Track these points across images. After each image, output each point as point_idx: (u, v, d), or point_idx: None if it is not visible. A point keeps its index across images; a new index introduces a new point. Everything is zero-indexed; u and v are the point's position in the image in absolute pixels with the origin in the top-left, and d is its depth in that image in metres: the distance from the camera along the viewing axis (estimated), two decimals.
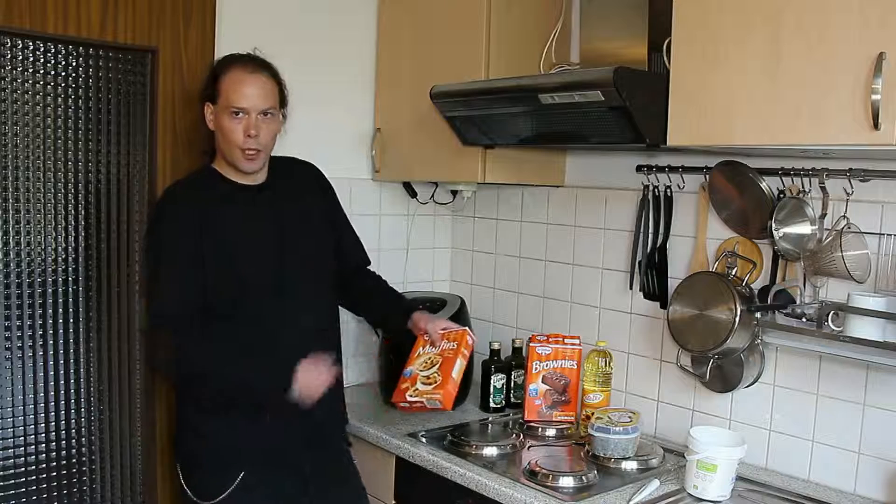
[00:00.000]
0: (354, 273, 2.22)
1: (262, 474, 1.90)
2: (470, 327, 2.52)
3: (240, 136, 1.86)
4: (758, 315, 1.92)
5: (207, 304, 1.86)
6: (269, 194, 1.97)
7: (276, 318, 1.92)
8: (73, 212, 2.09)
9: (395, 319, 2.21)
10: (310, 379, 1.83)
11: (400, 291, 2.32)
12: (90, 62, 2.08)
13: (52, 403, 2.09)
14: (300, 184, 2.06)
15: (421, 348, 2.11)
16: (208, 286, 1.86)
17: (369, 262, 2.27)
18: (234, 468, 1.89)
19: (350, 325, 2.58)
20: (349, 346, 2.64)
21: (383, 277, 2.30)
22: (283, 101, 1.95)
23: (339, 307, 2.18)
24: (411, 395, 2.02)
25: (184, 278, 1.84)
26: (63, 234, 2.08)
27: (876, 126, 1.43)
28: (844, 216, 1.82)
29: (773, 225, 1.89)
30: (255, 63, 1.89)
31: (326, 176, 2.16)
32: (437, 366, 2.04)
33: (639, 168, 2.25)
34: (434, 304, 2.53)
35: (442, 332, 2.10)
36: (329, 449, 2.06)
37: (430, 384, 2.01)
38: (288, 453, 1.94)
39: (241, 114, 1.85)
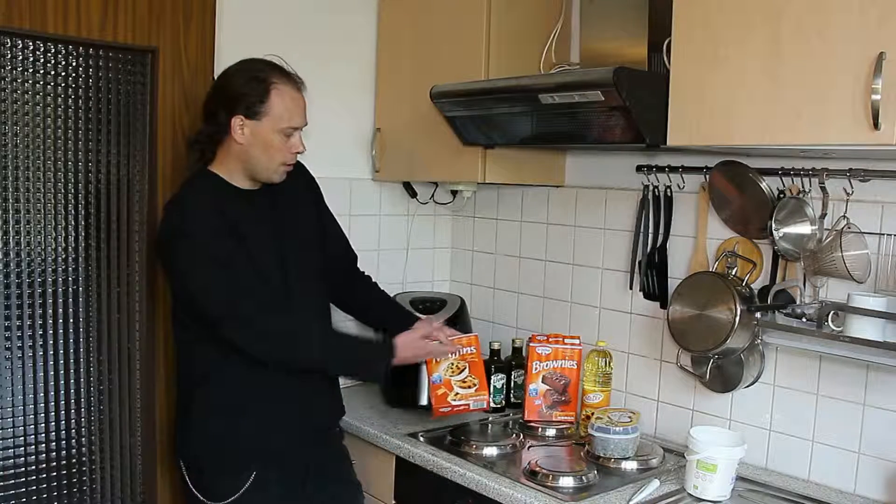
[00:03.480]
0: (344, 270, 2.22)
1: (271, 473, 1.91)
2: (470, 327, 2.53)
3: (287, 154, 1.88)
4: (758, 315, 1.92)
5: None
6: (268, 197, 1.97)
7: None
8: (73, 212, 2.09)
9: (397, 328, 2.18)
10: (415, 345, 1.96)
11: (399, 292, 2.31)
12: (90, 62, 2.08)
13: (52, 403, 2.09)
14: (293, 183, 2.04)
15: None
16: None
17: (357, 259, 2.27)
18: (246, 467, 1.89)
19: (350, 325, 2.57)
20: None
21: (382, 279, 2.30)
22: None
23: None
24: (455, 400, 2.13)
25: (241, 269, 1.84)
26: (63, 234, 2.08)
27: (876, 126, 1.43)
28: (844, 216, 1.82)
29: (773, 225, 1.89)
30: (298, 79, 1.90)
31: (325, 174, 2.16)
32: (467, 370, 2.14)
33: (639, 168, 2.25)
34: (434, 304, 2.53)
35: (451, 338, 2.12)
36: (329, 446, 2.07)
37: (469, 387, 2.14)
38: (293, 450, 1.95)
39: (294, 132, 1.88)
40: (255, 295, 1.86)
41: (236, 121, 1.84)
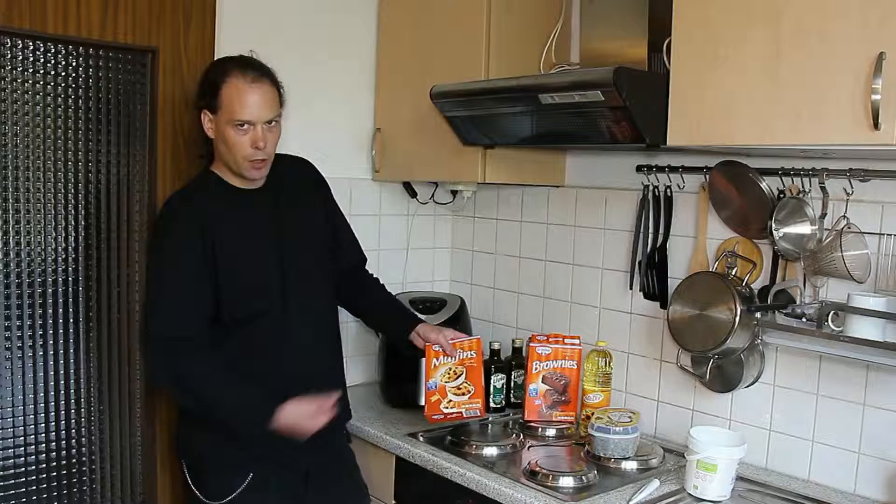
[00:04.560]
0: (353, 272, 2.22)
1: (270, 474, 1.91)
2: (470, 327, 2.53)
3: (247, 149, 1.84)
4: (758, 315, 1.92)
5: (216, 310, 1.87)
6: (269, 196, 1.97)
7: (282, 319, 1.93)
8: (73, 212, 2.09)
9: (397, 329, 2.21)
10: (299, 418, 1.83)
11: (399, 292, 2.32)
12: (90, 62, 2.08)
13: (52, 403, 2.09)
14: (297, 182, 2.05)
15: (435, 359, 2.12)
16: (217, 288, 1.86)
17: (366, 260, 2.27)
18: (243, 468, 1.90)
19: (350, 324, 2.58)
20: (349, 345, 2.64)
21: (382, 279, 2.30)
22: (282, 103, 1.93)
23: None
24: (447, 407, 2.11)
25: (189, 297, 1.83)
26: (63, 234, 2.08)
27: (876, 126, 1.43)
28: (844, 216, 1.82)
29: (773, 225, 1.89)
30: (255, 71, 1.85)
31: (324, 174, 2.16)
32: (463, 376, 2.11)
33: (639, 168, 2.25)
34: (434, 304, 2.53)
35: (453, 341, 2.11)
36: (331, 448, 2.06)
37: (463, 394, 2.11)
38: (291, 453, 1.94)
39: (245, 125, 1.83)
40: (194, 323, 1.83)
41: (204, 116, 1.87)
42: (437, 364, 2.12)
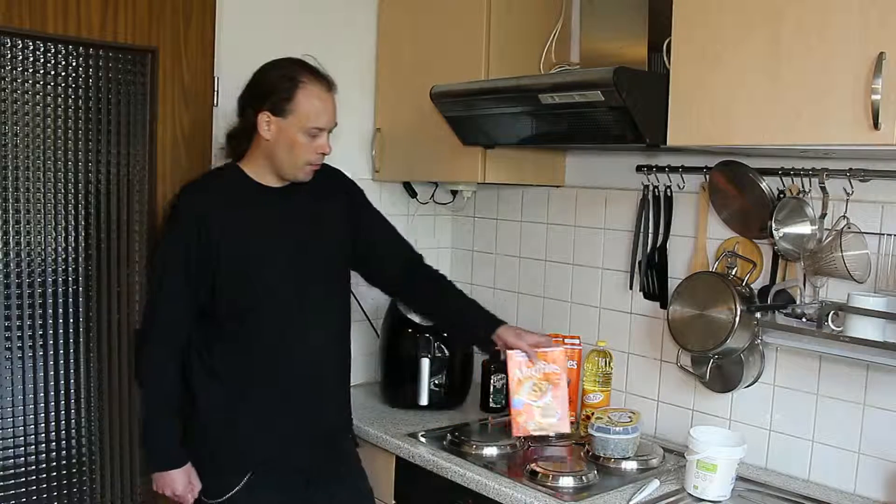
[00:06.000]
0: (409, 271, 2.19)
1: (268, 474, 1.91)
2: None
3: (312, 154, 1.87)
4: (758, 315, 1.92)
5: (221, 305, 1.87)
6: (289, 196, 1.96)
7: (292, 319, 1.93)
8: (73, 212, 2.09)
9: (480, 333, 2.08)
10: (165, 485, 1.88)
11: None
12: (90, 62, 2.08)
13: (52, 403, 2.09)
14: (321, 186, 2.02)
15: (518, 371, 1.96)
16: (222, 287, 1.86)
17: (422, 257, 2.23)
18: (241, 467, 1.90)
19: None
20: None
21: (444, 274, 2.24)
22: None
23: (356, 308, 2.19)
24: (535, 430, 1.95)
25: (177, 299, 1.85)
26: (63, 234, 2.08)
27: (876, 126, 1.43)
28: (844, 216, 1.82)
29: (773, 225, 1.89)
30: (327, 80, 1.89)
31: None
32: (549, 394, 1.95)
33: (639, 168, 2.25)
34: None
35: (538, 351, 1.97)
36: (334, 450, 2.05)
37: (550, 416, 1.95)
38: (292, 454, 1.94)
39: (317, 132, 1.87)
40: (182, 317, 1.87)
41: (262, 117, 1.85)
42: (520, 378, 1.95)
